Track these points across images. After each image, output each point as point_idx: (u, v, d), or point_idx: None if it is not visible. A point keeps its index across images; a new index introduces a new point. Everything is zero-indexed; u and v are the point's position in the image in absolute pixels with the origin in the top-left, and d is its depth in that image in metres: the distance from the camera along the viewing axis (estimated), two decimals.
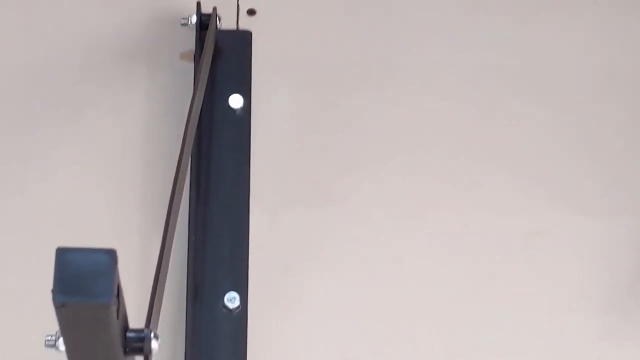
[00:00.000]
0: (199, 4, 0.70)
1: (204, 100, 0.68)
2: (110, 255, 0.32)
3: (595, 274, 0.70)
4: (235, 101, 0.73)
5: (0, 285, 0.67)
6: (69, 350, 0.35)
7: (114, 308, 0.32)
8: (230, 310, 0.65)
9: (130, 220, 0.71)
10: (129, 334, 0.36)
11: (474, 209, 0.72)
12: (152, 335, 0.37)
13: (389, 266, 0.70)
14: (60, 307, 0.32)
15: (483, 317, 0.68)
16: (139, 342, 0.36)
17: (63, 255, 0.32)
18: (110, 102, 0.76)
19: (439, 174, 0.74)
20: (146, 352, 0.36)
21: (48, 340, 0.36)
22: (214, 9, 0.70)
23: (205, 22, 0.68)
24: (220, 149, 0.71)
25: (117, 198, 0.72)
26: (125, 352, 0.36)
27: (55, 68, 0.79)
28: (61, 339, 0.36)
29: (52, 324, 0.36)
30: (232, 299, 0.65)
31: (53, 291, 0.32)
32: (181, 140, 0.59)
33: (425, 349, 0.68)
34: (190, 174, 0.68)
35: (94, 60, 0.78)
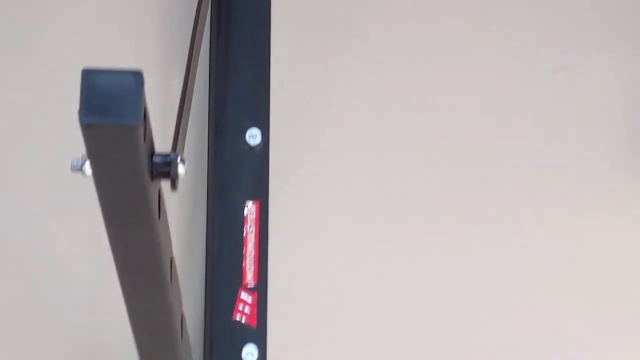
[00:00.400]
0: None
1: None
2: (137, 77, 0.31)
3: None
4: None
5: (30, 109, 0.67)
6: (95, 174, 0.35)
7: (140, 130, 0.31)
8: (251, 147, 0.64)
9: (151, 56, 0.70)
10: (156, 158, 0.36)
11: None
12: (179, 159, 0.36)
13: (410, 106, 0.69)
14: (86, 128, 0.31)
15: None
16: (165, 167, 0.36)
17: (89, 76, 0.31)
18: None
19: None
20: (173, 176, 0.36)
21: (74, 164, 0.36)
22: None
23: None
24: None
25: (138, 33, 0.70)
26: (152, 177, 0.36)
27: None
28: (87, 163, 0.35)
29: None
30: (253, 136, 0.65)
31: (79, 112, 0.31)
32: None
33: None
34: (211, 8, 0.65)
35: None
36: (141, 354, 0.51)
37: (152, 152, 0.35)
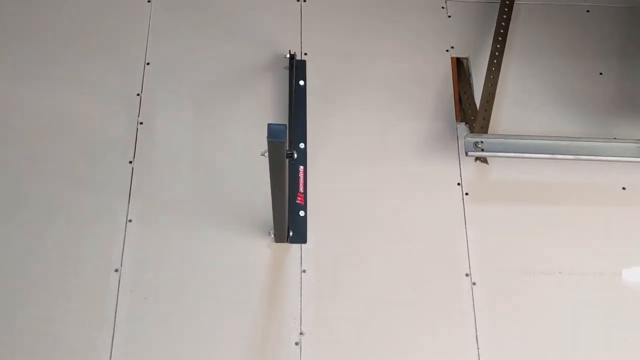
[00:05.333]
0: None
1: None
2: (284, 126, 1.08)
3: None
4: None
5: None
6: (270, 158, 1.12)
7: (285, 143, 1.08)
8: (302, 148, 1.48)
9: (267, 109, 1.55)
10: (288, 151, 1.13)
11: None
12: (294, 153, 1.13)
13: None
14: (270, 143, 1.08)
15: None
16: (291, 155, 1.13)
17: (270, 125, 1.08)
18: None
19: None
20: (292, 158, 1.13)
21: (263, 153, 1.13)
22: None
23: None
24: None
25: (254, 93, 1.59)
26: (286, 157, 1.13)
27: None
28: (267, 153, 1.12)
29: None
30: (301, 145, 1.50)
31: (267, 137, 1.08)
32: None
33: None
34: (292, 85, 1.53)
35: None
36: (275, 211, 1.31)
37: (287, 150, 1.11)
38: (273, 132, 1.07)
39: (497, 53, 1.83)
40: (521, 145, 1.63)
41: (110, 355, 1.45)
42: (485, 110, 1.73)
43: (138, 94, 1.74)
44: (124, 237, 1.57)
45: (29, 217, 1.57)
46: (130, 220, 1.59)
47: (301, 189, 1.63)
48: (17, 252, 1.53)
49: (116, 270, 1.53)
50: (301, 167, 1.65)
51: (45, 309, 1.48)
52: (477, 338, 1.52)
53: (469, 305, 1.55)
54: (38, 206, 1.58)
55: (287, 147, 1.14)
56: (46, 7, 1.84)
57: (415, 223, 1.63)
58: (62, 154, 1.65)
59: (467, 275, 1.59)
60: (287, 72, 1.78)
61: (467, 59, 1.88)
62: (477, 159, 1.71)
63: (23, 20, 1.82)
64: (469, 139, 1.65)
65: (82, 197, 1.60)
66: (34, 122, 1.68)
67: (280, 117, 1.71)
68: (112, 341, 1.46)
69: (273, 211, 1.40)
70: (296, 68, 1.78)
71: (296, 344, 1.49)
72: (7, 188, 1.60)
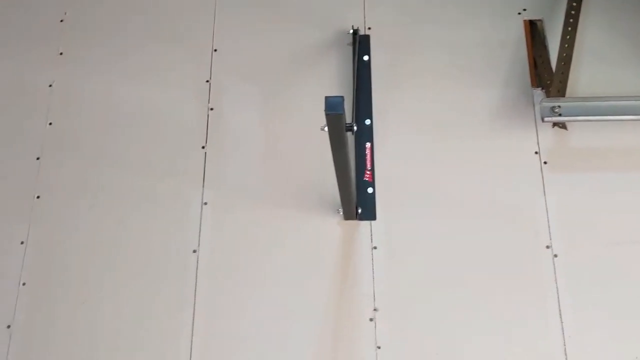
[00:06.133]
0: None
1: None
2: (341, 98, 1.05)
3: None
4: None
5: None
6: (329, 131, 1.10)
7: (343, 115, 1.06)
8: (367, 125, 1.43)
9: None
10: (348, 124, 1.10)
11: None
12: (354, 126, 1.11)
13: None
14: (328, 115, 1.06)
15: None
16: (349, 127, 1.10)
17: (327, 98, 1.05)
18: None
19: None
20: (352, 130, 1.10)
21: (323, 128, 1.11)
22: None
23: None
24: None
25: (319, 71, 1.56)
26: (345, 130, 1.10)
27: None
28: (326, 127, 1.10)
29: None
30: (368, 121, 1.44)
31: (325, 110, 1.06)
32: None
33: None
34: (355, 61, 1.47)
35: None
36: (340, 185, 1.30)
37: (345, 122, 1.09)
38: (330, 104, 1.05)
39: (572, 12, 1.71)
40: (602, 108, 1.51)
41: (192, 331, 1.49)
42: (562, 73, 1.62)
43: (207, 81, 1.77)
44: (200, 220, 1.61)
45: (111, 202, 1.64)
46: (205, 203, 1.63)
47: (369, 166, 1.60)
48: (101, 237, 1.60)
49: (194, 251, 1.57)
50: (368, 144, 1.62)
51: (130, 290, 1.54)
52: (560, 310, 1.44)
53: (550, 277, 1.47)
54: (119, 192, 1.65)
55: (346, 120, 1.11)
56: (118, 3, 1.91)
57: (491, 195, 1.56)
58: (139, 141, 1.70)
59: (547, 247, 1.50)
60: (350, 48, 1.75)
61: (540, 21, 1.76)
62: (555, 124, 1.61)
63: (99, 16, 1.89)
64: (545, 103, 1.55)
65: (159, 182, 1.65)
66: (112, 112, 1.75)
67: (345, 94, 1.69)
68: (193, 319, 1.50)
69: (339, 188, 1.38)
70: (360, 43, 1.74)
71: (370, 319, 1.47)
72: (90, 176, 1.67)
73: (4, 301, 1.54)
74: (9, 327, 1.52)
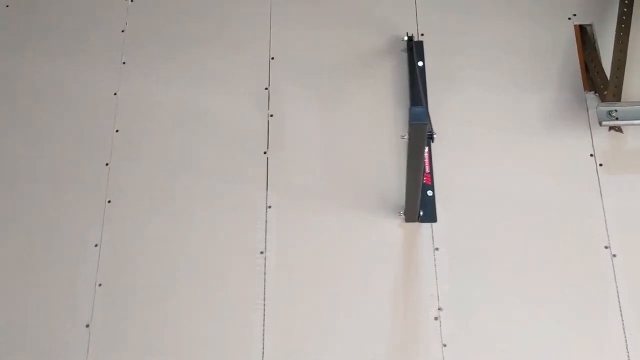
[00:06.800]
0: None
1: None
2: (424, 108, 1.10)
3: None
4: None
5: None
6: (410, 140, 1.14)
7: (426, 124, 1.10)
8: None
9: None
10: (428, 132, 1.14)
11: None
12: (433, 135, 1.15)
13: None
14: (411, 125, 1.10)
15: None
16: (430, 137, 1.14)
17: (412, 108, 1.10)
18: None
19: None
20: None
21: (403, 136, 1.15)
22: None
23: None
24: None
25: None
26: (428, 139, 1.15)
27: None
28: (406, 136, 1.14)
29: None
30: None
31: (410, 121, 1.10)
32: None
33: None
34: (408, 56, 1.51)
35: None
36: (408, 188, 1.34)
37: (429, 131, 1.13)
38: (416, 115, 1.09)
39: (624, 17, 1.73)
40: None
41: (263, 330, 1.55)
42: (617, 77, 1.65)
43: (266, 88, 1.82)
44: (266, 222, 1.66)
45: (180, 206, 1.69)
46: (269, 207, 1.68)
47: (427, 169, 1.64)
48: (171, 239, 1.66)
49: (261, 253, 1.62)
50: (425, 147, 1.66)
51: (200, 290, 1.60)
52: (620, 309, 1.47)
53: (610, 277, 1.50)
54: (185, 196, 1.70)
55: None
56: (175, 13, 1.96)
57: (547, 196, 1.60)
58: (202, 147, 1.76)
59: (606, 247, 1.53)
60: (405, 54, 1.79)
61: (590, 25, 1.79)
62: (611, 128, 1.64)
63: (158, 26, 1.94)
64: (602, 107, 1.58)
65: (224, 186, 1.70)
66: (175, 119, 1.80)
67: (402, 99, 1.73)
68: (264, 318, 1.56)
69: (406, 192, 1.42)
70: (414, 49, 1.78)
71: (435, 318, 1.51)
72: (157, 180, 1.73)
73: (82, 302, 1.61)
74: (87, 326, 1.59)
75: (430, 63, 1.78)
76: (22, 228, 1.70)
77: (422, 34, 1.83)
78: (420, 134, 1.11)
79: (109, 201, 1.71)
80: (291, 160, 1.72)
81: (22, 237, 1.69)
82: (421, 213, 1.60)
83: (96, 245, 1.67)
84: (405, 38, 1.81)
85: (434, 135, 1.17)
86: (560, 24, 1.81)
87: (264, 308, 1.56)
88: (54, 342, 1.57)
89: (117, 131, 1.80)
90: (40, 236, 1.68)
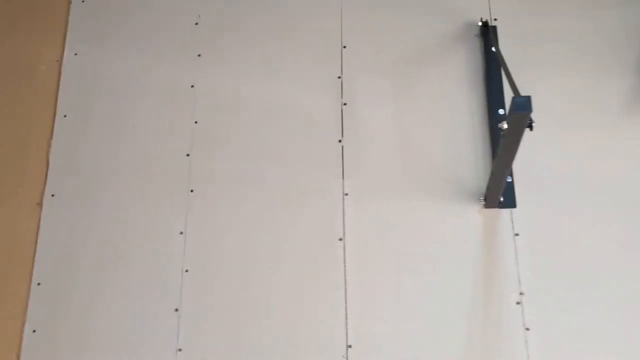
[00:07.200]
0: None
1: None
2: (529, 98, 1.10)
3: None
4: None
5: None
6: (509, 129, 1.15)
7: (529, 114, 1.11)
8: (501, 115, 1.45)
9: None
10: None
11: None
12: (532, 124, 1.16)
13: None
14: (514, 114, 1.11)
15: None
16: (530, 126, 1.15)
17: (515, 98, 1.10)
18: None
19: None
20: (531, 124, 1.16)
21: (502, 126, 1.16)
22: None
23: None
24: None
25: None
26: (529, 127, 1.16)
27: None
28: (505, 124, 1.15)
29: None
30: (500, 111, 1.45)
31: (512, 110, 1.11)
32: None
33: None
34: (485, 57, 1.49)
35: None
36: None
37: (530, 120, 1.14)
38: (519, 104, 1.10)
39: None
40: None
41: (346, 314, 1.58)
42: None
43: (339, 77, 1.83)
44: (343, 209, 1.68)
45: (258, 194, 1.73)
46: (346, 194, 1.70)
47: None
48: (252, 226, 1.70)
49: (340, 239, 1.65)
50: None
51: (284, 276, 1.64)
52: None
53: None
54: (265, 184, 1.74)
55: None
56: (246, 5, 1.97)
57: (628, 182, 1.59)
58: (279, 136, 1.78)
59: None
60: (477, 39, 1.79)
61: None
62: None
63: (231, 18, 1.97)
64: None
65: (301, 174, 1.73)
66: (251, 109, 1.83)
67: (477, 85, 1.73)
68: (346, 303, 1.59)
69: (493, 178, 1.44)
70: (488, 35, 1.77)
71: (517, 303, 1.53)
72: (237, 169, 1.76)
73: (170, 287, 1.66)
74: (176, 310, 1.64)
75: (504, 48, 1.77)
76: (111, 218, 1.76)
77: (495, 19, 1.82)
78: (522, 122, 1.12)
79: (192, 190, 1.76)
80: (366, 148, 1.74)
81: (111, 227, 1.75)
82: (501, 199, 1.61)
83: (181, 233, 1.72)
84: (480, 23, 1.80)
85: (533, 124, 1.17)
86: (635, 8, 1.78)
87: (345, 293, 1.60)
88: (147, 327, 1.63)
89: (195, 122, 1.84)
90: (129, 225, 1.74)
